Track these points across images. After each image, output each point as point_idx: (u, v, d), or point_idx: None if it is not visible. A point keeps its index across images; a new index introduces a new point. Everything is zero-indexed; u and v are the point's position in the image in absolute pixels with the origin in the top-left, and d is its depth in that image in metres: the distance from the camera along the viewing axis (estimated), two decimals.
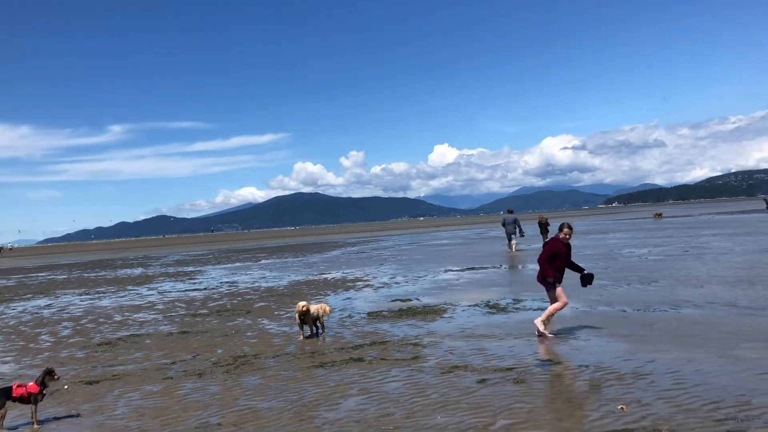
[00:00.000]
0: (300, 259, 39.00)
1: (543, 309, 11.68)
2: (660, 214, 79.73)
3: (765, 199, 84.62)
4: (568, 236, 10.62)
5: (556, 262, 10.46)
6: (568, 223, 10.81)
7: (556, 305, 10.47)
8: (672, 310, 12.30)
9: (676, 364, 8.20)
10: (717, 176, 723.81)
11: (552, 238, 10.86)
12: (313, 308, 11.99)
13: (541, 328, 10.47)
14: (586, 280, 10.83)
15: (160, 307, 18.39)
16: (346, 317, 14.07)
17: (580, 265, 10.93)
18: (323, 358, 10.05)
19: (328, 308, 12.33)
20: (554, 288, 10.47)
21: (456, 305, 14.64)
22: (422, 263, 28.60)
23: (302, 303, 11.80)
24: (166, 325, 14.84)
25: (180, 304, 18.66)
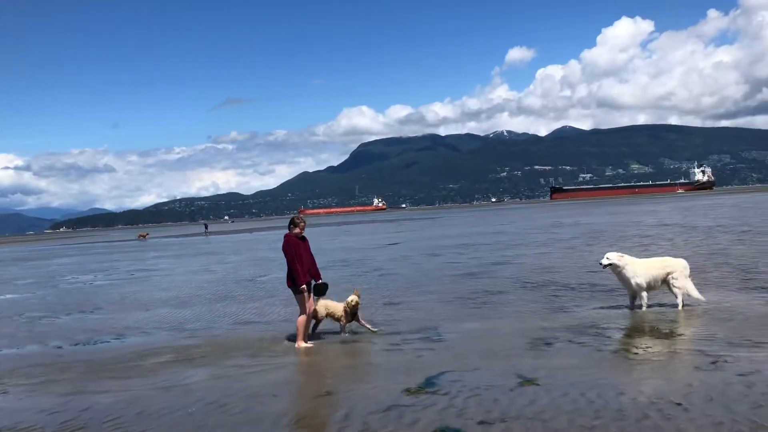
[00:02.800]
0: None
1: None
2: (145, 236, 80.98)
3: (204, 224, 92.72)
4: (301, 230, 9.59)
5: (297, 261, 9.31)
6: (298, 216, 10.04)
7: (302, 317, 9.38)
8: (116, 340, 10.99)
9: (118, 408, 6.86)
10: (164, 202, 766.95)
11: (287, 236, 9.53)
12: None
13: (305, 344, 9.32)
14: (322, 288, 9.80)
15: None
16: None
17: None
18: None
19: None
20: (304, 293, 9.30)
21: None
22: None
23: None
24: None
25: None
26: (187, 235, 79.94)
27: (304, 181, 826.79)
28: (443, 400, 6.42)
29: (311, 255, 9.74)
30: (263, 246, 40.70)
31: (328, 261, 24.00)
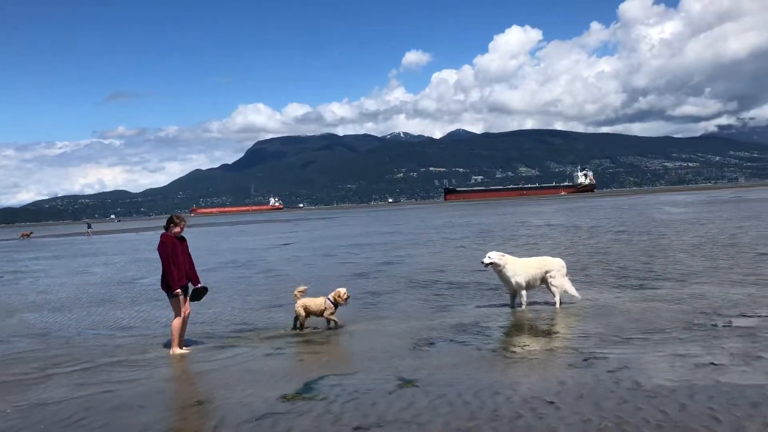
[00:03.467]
0: None
1: None
2: (28, 234, 75.25)
3: (87, 223, 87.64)
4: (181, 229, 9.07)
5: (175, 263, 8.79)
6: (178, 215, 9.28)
7: (176, 321, 8.85)
8: None
9: None
10: (44, 200, 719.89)
11: (164, 236, 8.93)
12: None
13: (180, 350, 8.82)
14: (201, 292, 9.20)
15: None
16: None
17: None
18: None
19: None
20: (179, 297, 8.79)
21: None
22: None
23: None
24: None
25: None
26: (68, 235, 75.43)
27: (196, 179, 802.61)
28: (320, 405, 6.19)
29: (190, 257, 9.22)
30: (150, 246, 38.88)
31: (218, 262, 23.23)
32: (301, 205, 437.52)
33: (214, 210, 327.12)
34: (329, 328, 9.89)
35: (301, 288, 10.01)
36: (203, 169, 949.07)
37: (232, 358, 8.50)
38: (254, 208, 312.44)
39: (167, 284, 8.81)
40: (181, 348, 8.90)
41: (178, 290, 8.78)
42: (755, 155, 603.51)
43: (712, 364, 6.67)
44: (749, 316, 8.85)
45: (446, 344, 8.47)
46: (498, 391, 6.27)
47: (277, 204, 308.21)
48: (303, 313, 9.84)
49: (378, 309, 11.52)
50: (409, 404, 6.05)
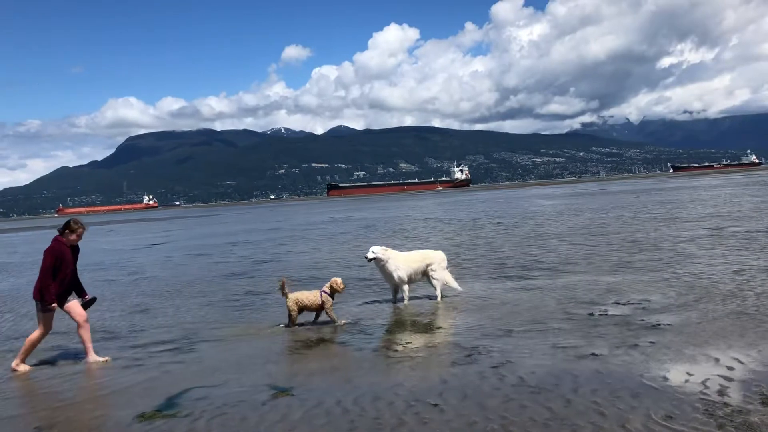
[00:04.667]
0: None
1: None
2: None
3: None
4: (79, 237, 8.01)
5: (59, 274, 7.67)
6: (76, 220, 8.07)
7: (37, 335, 7.81)
8: None
9: None
10: None
11: (56, 241, 7.77)
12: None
13: (19, 367, 7.77)
14: (89, 304, 8.15)
15: None
16: None
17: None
18: None
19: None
20: (52, 312, 7.71)
21: None
22: None
23: None
24: None
25: None
26: None
27: (62, 176, 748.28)
28: (182, 424, 5.48)
29: (76, 268, 8.09)
30: (5, 250, 35.48)
31: (81, 264, 21.30)
32: (177, 203, 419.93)
33: (83, 210, 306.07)
34: (314, 323, 9.18)
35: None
36: (70, 166, 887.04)
37: (82, 374, 7.52)
38: (127, 207, 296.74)
39: (42, 295, 7.62)
40: (24, 363, 7.80)
41: (54, 304, 7.63)
42: (614, 151, 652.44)
43: (593, 354, 6.61)
44: (622, 304, 9.02)
45: (325, 346, 7.96)
46: (379, 396, 5.84)
47: (151, 202, 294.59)
48: (295, 309, 9.02)
49: (253, 311, 10.78)
50: (282, 416, 5.48)
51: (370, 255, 10.07)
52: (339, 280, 9.20)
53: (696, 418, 4.76)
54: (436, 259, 10.40)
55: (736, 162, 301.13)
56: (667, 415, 4.86)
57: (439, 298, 10.29)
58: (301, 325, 9.18)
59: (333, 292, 9.12)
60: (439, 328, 8.60)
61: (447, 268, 10.60)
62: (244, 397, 6.13)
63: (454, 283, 10.44)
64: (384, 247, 10.21)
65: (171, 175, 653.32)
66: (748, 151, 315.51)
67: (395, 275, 10.05)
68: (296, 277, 14.20)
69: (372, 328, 8.80)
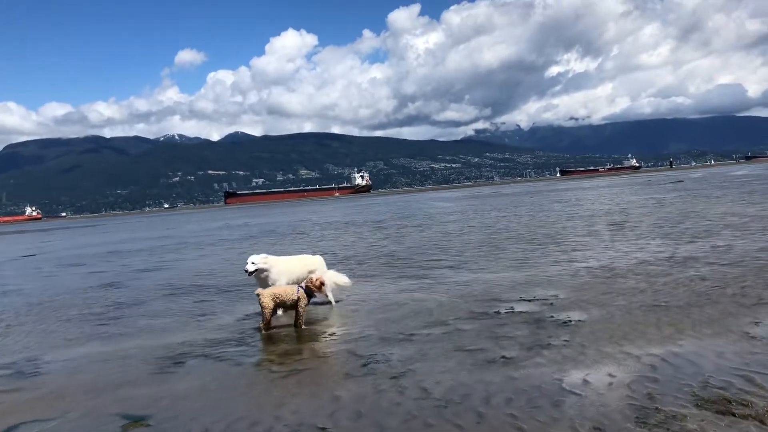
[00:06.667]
0: None
1: None
2: None
3: None
4: None
5: None
6: None
7: None
8: None
9: None
10: None
11: None
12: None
13: None
14: None
15: None
16: None
17: None
18: None
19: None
20: None
21: None
22: None
23: None
24: None
25: None
26: None
27: None
28: None
29: None
30: None
31: None
32: (63, 213, 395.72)
33: None
34: (294, 326, 7.96)
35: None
36: None
37: None
38: (6, 219, 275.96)
39: None
40: None
41: None
42: (507, 156, 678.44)
43: (504, 357, 5.86)
44: (528, 300, 8.42)
45: (199, 362, 6.79)
46: (257, 421, 4.81)
47: (34, 213, 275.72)
48: (271, 306, 7.73)
49: (120, 325, 9.36)
50: None
51: (250, 267, 8.85)
52: (314, 277, 8.12)
53: (628, 428, 4.07)
54: (317, 264, 9.53)
55: (618, 165, 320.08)
56: (595, 426, 4.14)
57: (333, 302, 9.33)
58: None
59: (308, 290, 8.00)
60: (332, 335, 7.61)
61: (338, 270, 9.71)
62: (89, 429, 4.92)
63: (342, 279, 9.50)
64: (264, 255, 9.08)
65: (56, 184, 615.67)
66: (629, 156, 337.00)
67: (277, 284, 8.95)
68: (182, 286, 12.83)
69: (255, 340, 7.68)
